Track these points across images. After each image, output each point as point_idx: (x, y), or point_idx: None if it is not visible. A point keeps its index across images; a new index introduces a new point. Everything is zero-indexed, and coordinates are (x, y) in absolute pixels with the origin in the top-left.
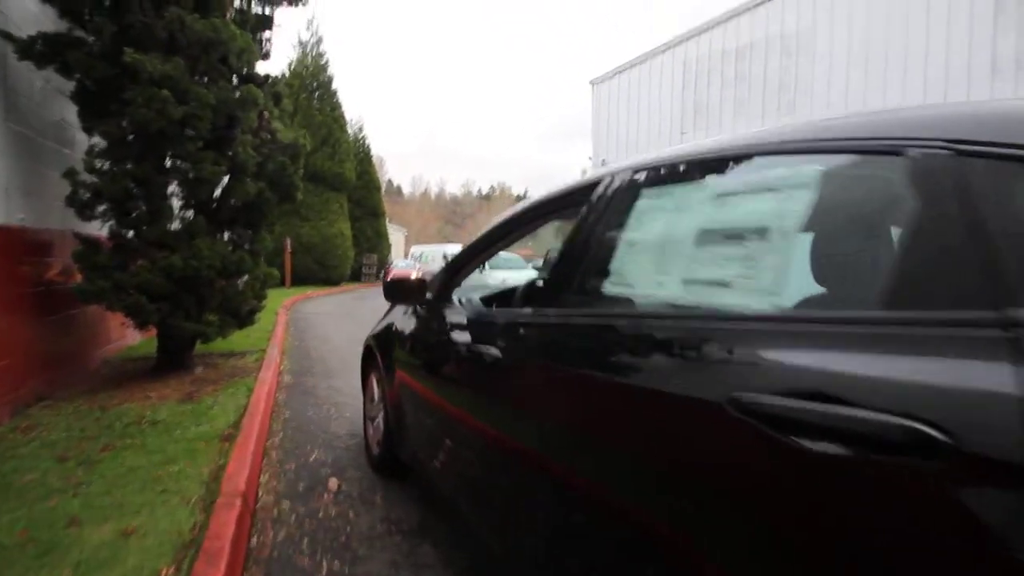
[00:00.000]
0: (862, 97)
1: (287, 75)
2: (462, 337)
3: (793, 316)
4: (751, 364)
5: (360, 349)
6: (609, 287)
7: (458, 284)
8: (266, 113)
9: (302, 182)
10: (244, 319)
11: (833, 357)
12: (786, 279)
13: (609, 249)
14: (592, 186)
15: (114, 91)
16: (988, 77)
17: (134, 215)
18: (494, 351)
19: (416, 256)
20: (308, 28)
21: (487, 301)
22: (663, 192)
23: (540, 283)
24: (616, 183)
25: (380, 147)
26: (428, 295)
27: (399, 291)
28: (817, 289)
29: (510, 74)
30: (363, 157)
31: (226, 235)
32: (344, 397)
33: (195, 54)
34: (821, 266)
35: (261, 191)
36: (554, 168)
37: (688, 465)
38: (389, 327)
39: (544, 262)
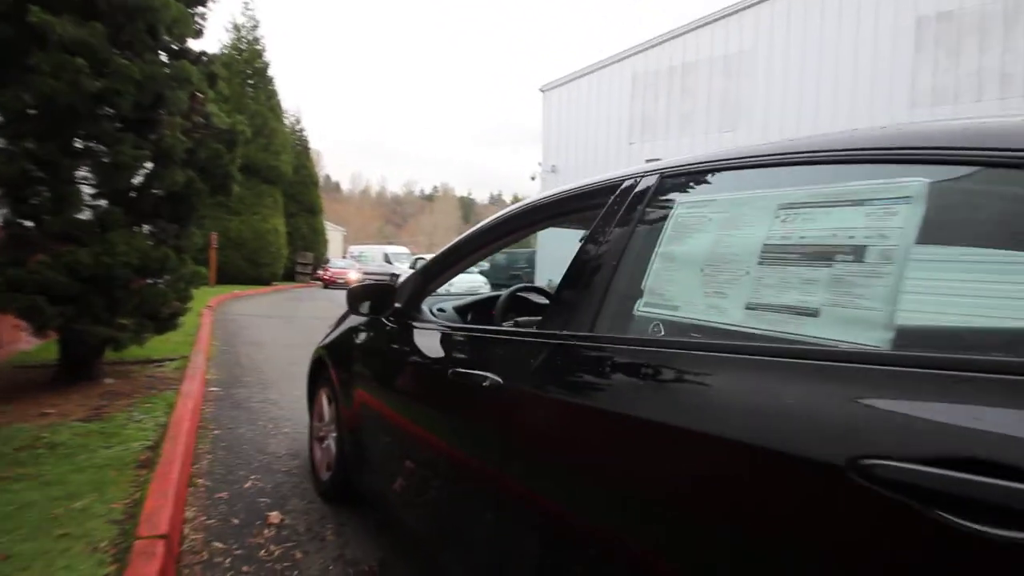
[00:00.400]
0: (796, 120)
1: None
2: (443, 355)
3: (919, 356)
4: (873, 418)
5: (300, 356)
6: (653, 308)
7: (431, 293)
8: (200, 94)
9: (237, 178)
10: (164, 323)
11: (978, 411)
12: (895, 307)
13: (645, 262)
14: (612, 188)
15: (15, 56)
16: (907, 105)
17: (34, 202)
18: (491, 376)
19: (355, 256)
20: (244, 11)
21: (460, 312)
22: (718, 198)
23: (540, 297)
24: (650, 185)
25: (319, 141)
26: (397, 304)
27: (364, 299)
28: (939, 321)
29: (456, 77)
30: (300, 150)
31: (147, 229)
32: (282, 411)
33: (119, 21)
34: (942, 294)
35: (191, 180)
36: (498, 172)
37: (783, 541)
38: (347, 337)
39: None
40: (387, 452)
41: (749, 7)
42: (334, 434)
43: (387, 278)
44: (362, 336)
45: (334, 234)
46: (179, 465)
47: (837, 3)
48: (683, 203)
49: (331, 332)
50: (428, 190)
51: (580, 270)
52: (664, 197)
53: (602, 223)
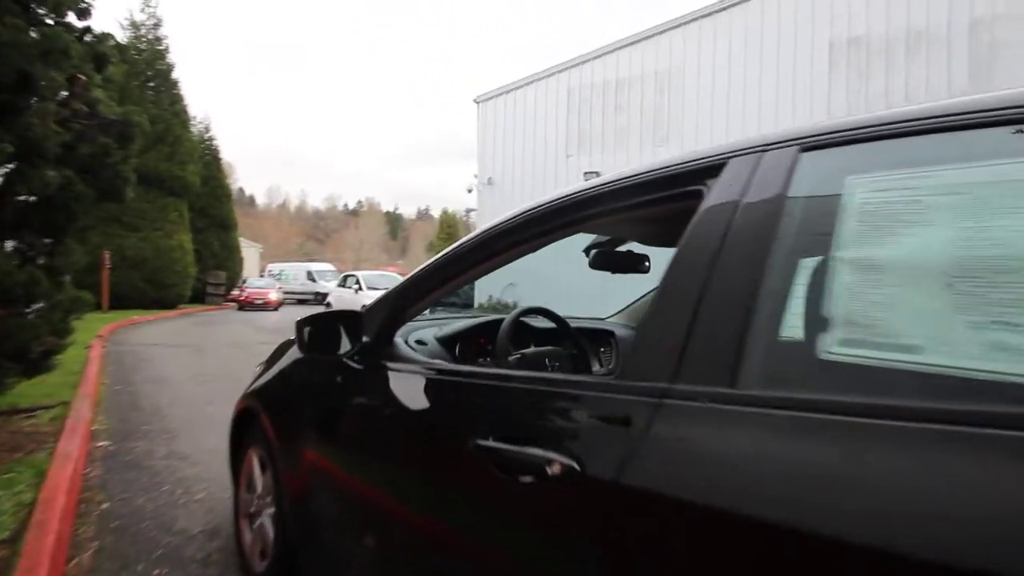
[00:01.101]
0: (724, 135)
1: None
2: (446, 413)
3: None
4: None
5: (216, 393)
6: (858, 350)
7: (406, 321)
8: (82, 77)
9: (132, 181)
10: (35, 364)
11: None
12: None
13: (821, 277)
14: (705, 172)
15: None
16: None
17: None
18: (558, 458)
19: (274, 274)
20: (144, 7)
21: (446, 343)
22: (945, 174)
23: (544, 321)
24: (783, 163)
25: (232, 152)
26: (365, 338)
27: (320, 332)
28: None
29: (379, 90)
30: (210, 160)
31: (9, 244)
32: (195, 468)
33: None
34: None
35: (69, 182)
36: (426, 187)
37: None
38: (289, 381)
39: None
40: (354, 535)
41: (677, 27)
42: (271, 509)
43: (311, 297)
44: (314, 379)
45: (250, 251)
46: (47, 565)
47: (758, 25)
48: (867, 185)
49: (263, 373)
50: (352, 204)
51: (684, 292)
52: (818, 178)
53: (706, 222)
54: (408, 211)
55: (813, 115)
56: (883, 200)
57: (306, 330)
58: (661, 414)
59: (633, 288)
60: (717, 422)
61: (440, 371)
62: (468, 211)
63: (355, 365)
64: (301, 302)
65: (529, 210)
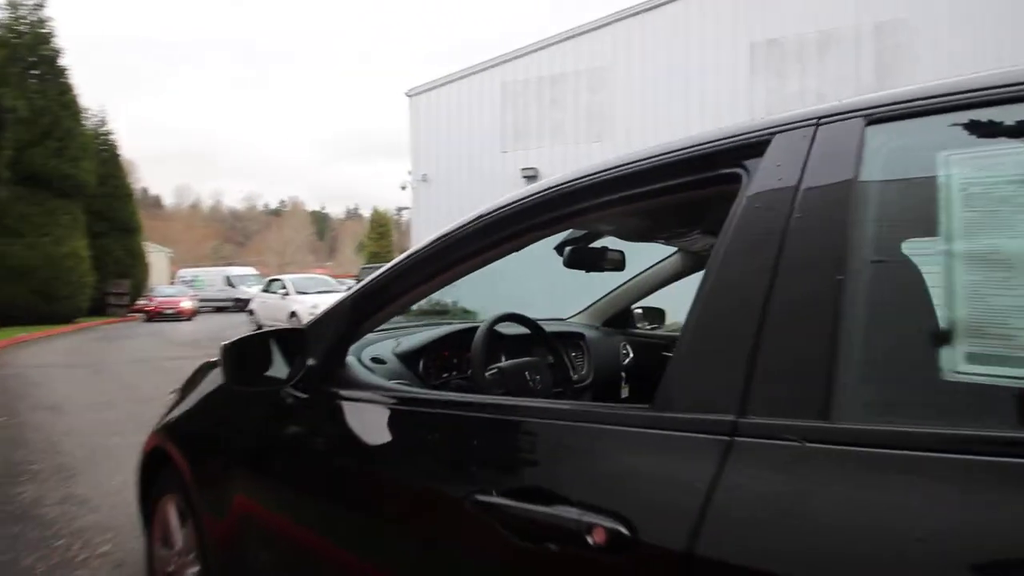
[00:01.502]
0: (655, 133)
1: None
2: (424, 456)
3: None
4: None
5: (121, 421)
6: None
7: (361, 336)
8: None
9: (12, 185)
10: None
11: None
12: None
13: (934, 280)
14: (744, 150)
15: None
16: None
17: None
18: (598, 522)
19: (187, 280)
20: None
21: (408, 360)
22: None
23: (517, 327)
24: (844, 140)
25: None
26: (310, 362)
27: (251, 358)
28: None
29: (304, 82)
30: (108, 157)
31: None
32: (97, 514)
33: None
34: None
35: None
36: (354, 185)
37: None
38: (208, 412)
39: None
40: None
41: (607, 24)
42: (194, 568)
43: (230, 304)
44: (245, 413)
45: (158, 256)
46: None
47: (684, 25)
48: (969, 163)
49: (179, 403)
50: (274, 204)
51: (742, 299)
52: (898, 156)
53: (756, 211)
54: (336, 210)
55: (738, 115)
56: (994, 180)
57: (233, 355)
58: (733, 457)
59: (591, 286)
60: (811, 467)
61: (413, 400)
62: (400, 209)
63: (298, 394)
64: (219, 310)
65: (516, 201)
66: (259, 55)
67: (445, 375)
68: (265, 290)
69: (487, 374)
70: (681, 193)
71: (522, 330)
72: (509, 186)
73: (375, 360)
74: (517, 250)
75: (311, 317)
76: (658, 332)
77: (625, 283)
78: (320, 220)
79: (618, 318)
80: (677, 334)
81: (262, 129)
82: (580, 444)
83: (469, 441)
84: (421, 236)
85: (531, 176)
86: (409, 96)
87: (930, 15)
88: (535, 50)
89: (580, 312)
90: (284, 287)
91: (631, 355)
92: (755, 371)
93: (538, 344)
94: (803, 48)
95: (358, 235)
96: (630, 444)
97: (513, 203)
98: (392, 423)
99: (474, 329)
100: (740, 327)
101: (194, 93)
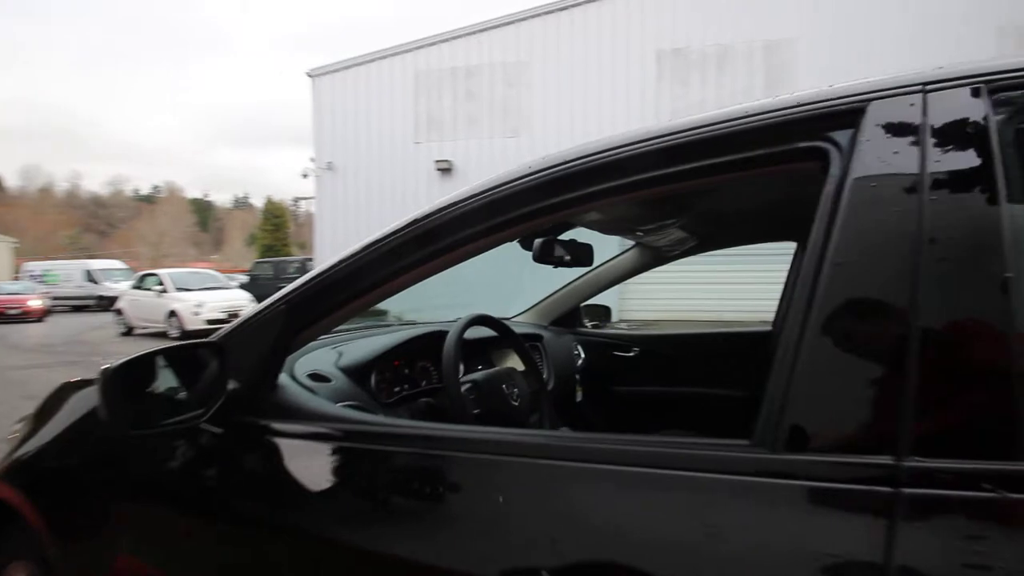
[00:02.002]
0: (570, 132)
1: None
2: (423, 510)
3: None
4: None
5: None
6: None
7: (300, 347)
8: None
9: None
10: None
11: None
12: None
13: None
14: (831, 120)
15: None
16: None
17: None
18: None
19: (35, 275)
20: None
21: (357, 374)
22: None
23: (484, 329)
24: (972, 113)
25: None
26: (232, 385)
27: (141, 387)
28: None
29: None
30: None
31: None
32: None
33: None
34: None
35: None
36: (245, 171)
37: None
38: (72, 448)
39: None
40: None
41: (524, 20)
42: None
43: (92, 302)
44: (131, 450)
45: None
46: None
47: (596, 28)
48: None
49: (29, 438)
50: (146, 189)
51: (877, 307)
52: None
53: (870, 199)
54: (222, 198)
55: (647, 120)
56: None
57: (117, 385)
58: (901, 517)
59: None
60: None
61: (377, 435)
62: (298, 199)
63: (213, 429)
64: (79, 308)
65: (527, 176)
66: (129, 26)
67: (398, 389)
68: (136, 286)
69: (463, 388)
70: (737, 172)
71: (483, 333)
72: (422, 178)
73: (315, 377)
74: (524, 236)
75: (226, 326)
76: (609, 331)
77: (576, 279)
78: (203, 209)
79: (567, 317)
80: (628, 332)
81: (134, 108)
82: (656, 501)
83: (474, 496)
84: (325, 228)
85: (445, 169)
86: (311, 77)
87: (816, 36)
88: (450, 39)
89: (526, 311)
90: (160, 283)
91: (583, 356)
92: (912, 398)
93: (497, 348)
94: (705, 60)
95: (249, 226)
96: (744, 498)
97: (523, 178)
98: (348, 467)
99: (432, 335)
100: (886, 343)
101: (49, 63)
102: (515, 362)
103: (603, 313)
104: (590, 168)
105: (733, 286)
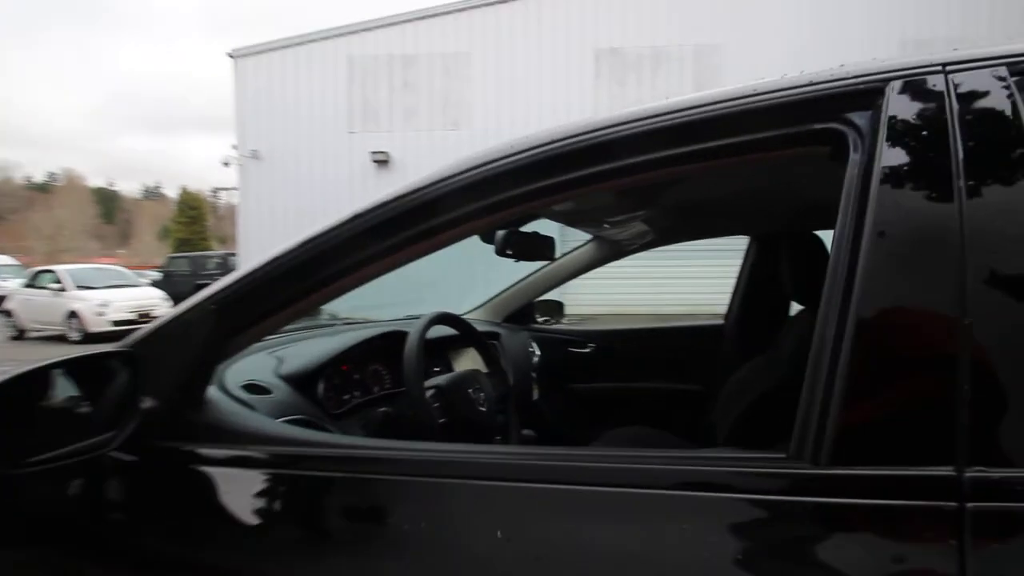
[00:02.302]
0: (510, 127)
1: None
2: (348, 543)
3: None
4: None
5: None
6: None
7: (233, 355)
8: None
9: None
10: None
11: None
12: None
13: None
14: (845, 101)
15: None
16: None
17: None
18: None
19: None
20: None
21: (301, 382)
22: None
23: (445, 328)
24: (999, 92)
25: None
26: (146, 403)
27: (43, 413)
28: None
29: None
30: None
31: None
32: None
33: None
34: None
35: None
36: (157, 158)
37: None
38: None
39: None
40: None
41: (464, 10)
42: None
43: None
44: (19, 486)
45: None
46: None
47: (536, 24)
48: None
49: None
50: (40, 177)
51: (923, 308)
52: None
53: (898, 184)
54: (130, 188)
55: (583, 113)
56: None
57: (2, 402)
58: (970, 536)
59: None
60: None
61: (338, 459)
62: (217, 190)
63: (126, 458)
64: None
65: (513, 155)
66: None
67: (347, 397)
68: (29, 284)
69: (428, 395)
70: (743, 155)
71: (441, 333)
72: (357, 170)
73: (252, 389)
74: (506, 226)
75: (141, 330)
76: (564, 327)
77: (531, 274)
78: (107, 199)
79: (521, 313)
80: (584, 328)
81: (25, 89)
82: (674, 530)
83: (465, 531)
84: (250, 220)
85: (382, 161)
86: (233, 58)
87: (741, 42)
88: (387, 25)
89: (478, 307)
90: (58, 280)
91: (539, 353)
92: (970, 400)
93: (454, 349)
94: (640, 60)
95: (162, 218)
96: (777, 523)
97: (504, 159)
98: (296, 499)
99: (385, 336)
100: (935, 339)
101: None
102: (474, 363)
103: (556, 309)
104: (580, 150)
105: (671, 280)
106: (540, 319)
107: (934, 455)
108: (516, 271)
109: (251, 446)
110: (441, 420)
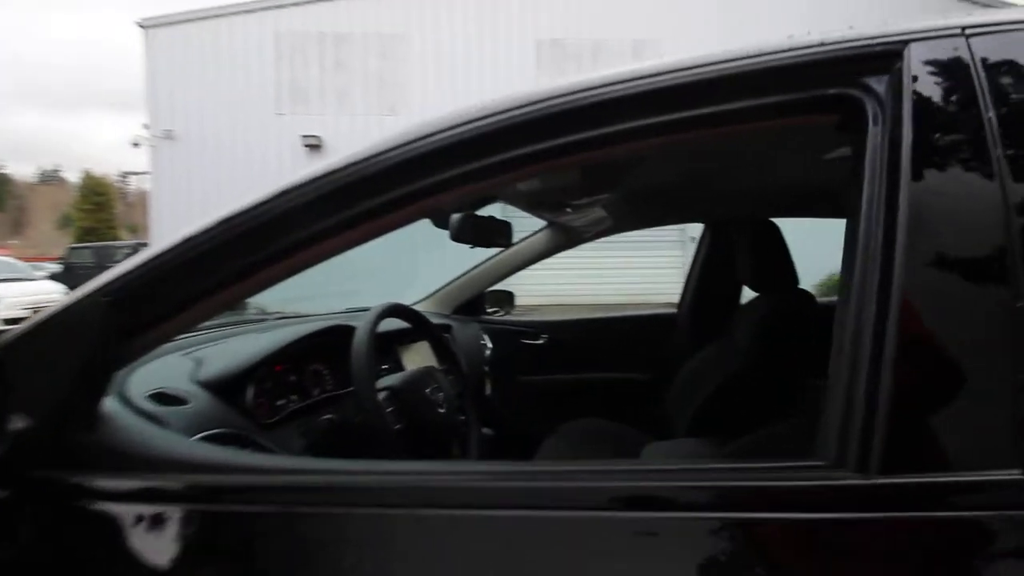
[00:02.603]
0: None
1: None
2: None
3: None
4: None
5: None
6: None
7: (134, 359)
8: None
9: None
10: None
11: None
12: None
13: None
14: (860, 64)
15: None
16: None
17: None
18: None
19: None
20: None
21: (223, 389)
22: None
23: (397, 321)
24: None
25: None
26: (15, 422)
27: None
28: None
29: None
30: None
31: None
32: None
33: None
34: None
35: None
36: (52, 138)
37: None
38: None
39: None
40: None
41: None
42: None
43: None
44: None
45: None
46: None
47: (476, 10)
48: None
49: None
50: None
51: (969, 300)
52: None
53: (933, 160)
54: (23, 171)
55: None
56: None
57: None
58: None
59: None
60: None
61: (296, 489)
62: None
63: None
64: None
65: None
66: None
67: (282, 403)
68: None
69: (380, 397)
70: (742, 123)
71: (390, 327)
72: (286, 154)
73: (162, 399)
74: (460, 208)
75: (8, 332)
76: (516, 318)
77: (481, 263)
78: None
79: (471, 304)
80: (535, 319)
81: None
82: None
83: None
84: (164, 207)
85: (314, 145)
86: (144, 28)
87: (677, 38)
88: (317, 0)
89: (426, 298)
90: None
91: (490, 346)
92: None
93: (402, 344)
94: (581, 52)
95: (62, 205)
96: (829, 537)
97: (468, 124)
98: (220, 542)
99: (324, 331)
100: (986, 325)
101: None
102: (425, 359)
103: (507, 299)
104: (550, 116)
105: (612, 271)
106: (490, 310)
107: (995, 458)
108: (461, 259)
109: (160, 474)
110: (397, 426)
